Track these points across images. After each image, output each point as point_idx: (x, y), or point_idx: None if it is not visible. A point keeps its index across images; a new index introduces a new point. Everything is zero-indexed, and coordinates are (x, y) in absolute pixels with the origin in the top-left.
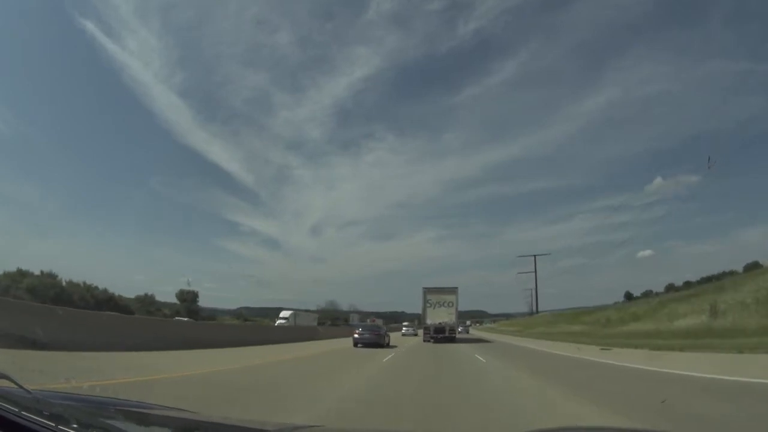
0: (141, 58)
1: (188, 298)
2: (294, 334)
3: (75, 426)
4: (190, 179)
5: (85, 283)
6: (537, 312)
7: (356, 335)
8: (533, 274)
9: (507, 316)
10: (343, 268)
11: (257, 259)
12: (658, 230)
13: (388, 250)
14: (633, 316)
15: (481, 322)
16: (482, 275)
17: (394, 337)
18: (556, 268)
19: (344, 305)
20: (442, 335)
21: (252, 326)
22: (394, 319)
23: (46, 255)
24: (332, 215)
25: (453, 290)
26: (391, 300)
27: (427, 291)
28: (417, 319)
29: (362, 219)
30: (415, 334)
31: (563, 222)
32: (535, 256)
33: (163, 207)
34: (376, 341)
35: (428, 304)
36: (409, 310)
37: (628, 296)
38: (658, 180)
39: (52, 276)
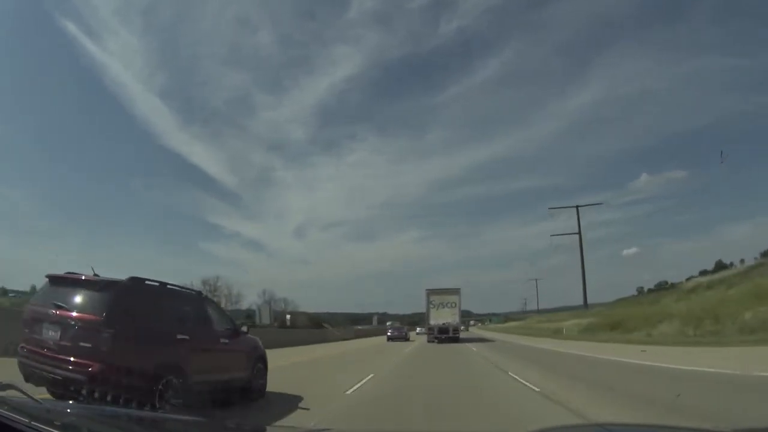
0: (122, 58)
1: None
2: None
3: None
4: (172, 181)
5: None
6: (587, 305)
7: (389, 333)
8: (566, 235)
9: (493, 316)
10: (327, 269)
11: (240, 262)
12: (644, 228)
13: (372, 251)
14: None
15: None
16: (467, 275)
17: (371, 342)
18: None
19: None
20: (446, 335)
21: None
22: (378, 320)
23: (25, 258)
24: (315, 217)
25: (456, 291)
26: (375, 301)
27: (430, 292)
28: (401, 319)
29: (345, 220)
30: (406, 338)
31: (547, 221)
32: (577, 206)
33: (144, 209)
34: (402, 337)
35: (431, 305)
36: (391, 311)
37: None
38: (644, 177)
39: None
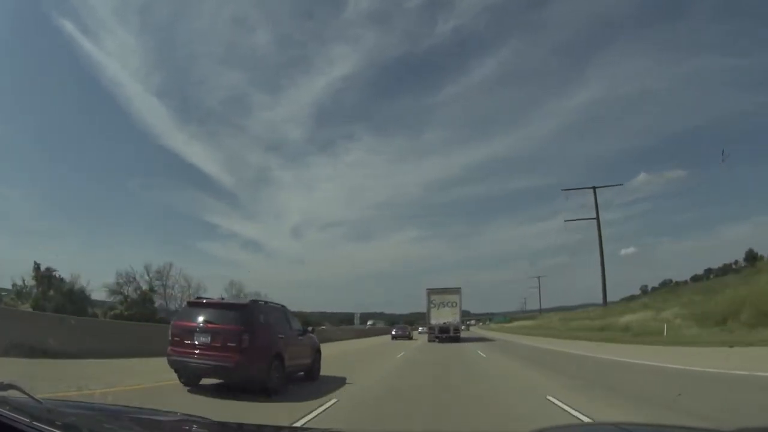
0: (119, 58)
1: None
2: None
3: None
4: (170, 181)
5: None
6: (606, 302)
7: (393, 332)
8: (583, 221)
9: (492, 316)
10: (325, 269)
11: (238, 262)
12: (642, 227)
13: (370, 251)
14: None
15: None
16: (465, 275)
17: (374, 342)
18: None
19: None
20: (446, 335)
21: None
22: (374, 319)
23: (25, 258)
24: (313, 217)
25: (456, 290)
26: (373, 301)
27: (431, 292)
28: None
29: (343, 220)
30: (410, 337)
31: (545, 220)
32: (594, 187)
33: (141, 209)
34: (406, 335)
35: (432, 305)
36: (388, 311)
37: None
38: (643, 176)
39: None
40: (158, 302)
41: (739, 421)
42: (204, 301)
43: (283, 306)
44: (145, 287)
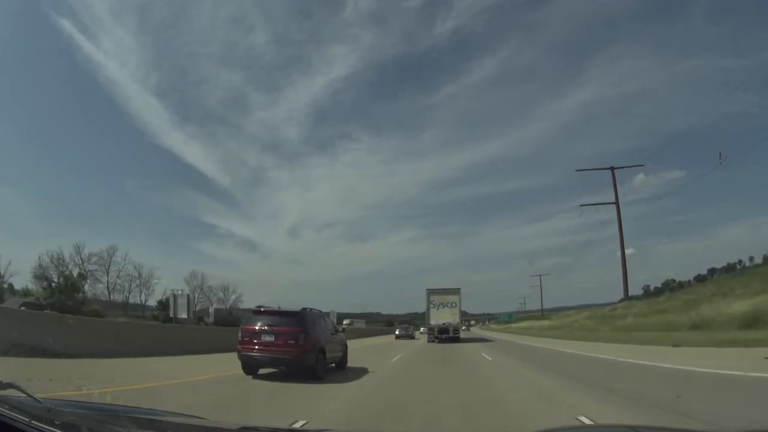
0: (117, 57)
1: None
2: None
3: None
4: (167, 181)
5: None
6: (627, 297)
7: (397, 332)
8: (599, 207)
9: (489, 316)
10: (321, 269)
11: (234, 262)
12: (639, 228)
13: (366, 251)
14: None
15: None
16: (462, 275)
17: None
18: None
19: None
20: (446, 335)
21: None
22: (372, 320)
23: (21, 259)
24: (309, 217)
25: (456, 291)
26: (368, 301)
27: (431, 292)
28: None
29: (340, 220)
30: (412, 337)
31: (543, 221)
32: (612, 168)
33: (138, 208)
34: (409, 335)
35: (432, 305)
36: (384, 311)
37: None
38: (640, 176)
39: None
40: (100, 291)
41: None
42: (263, 309)
43: (320, 311)
44: (81, 272)
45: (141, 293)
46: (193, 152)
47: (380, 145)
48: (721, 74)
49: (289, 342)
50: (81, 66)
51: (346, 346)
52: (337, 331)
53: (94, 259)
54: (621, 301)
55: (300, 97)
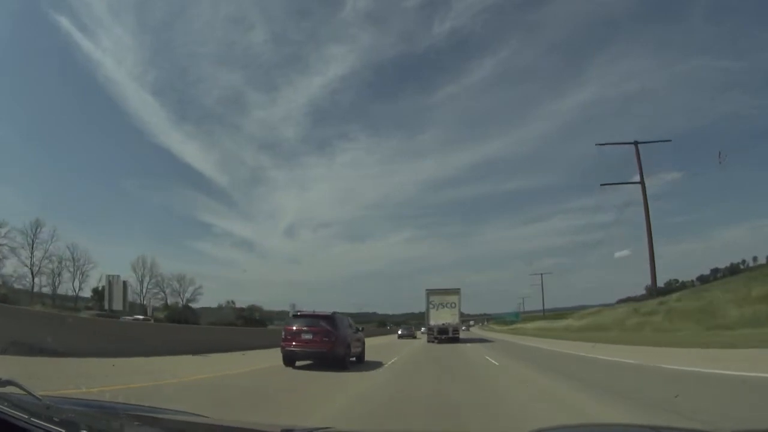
0: (115, 55)
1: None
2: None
3: None
4: (164, 180)
5: None
6: (655, 293)
7: (400, 332)
8: (624, 186)
9: (487, 317)
10: (319, 269)
11: (231, 261)
12: (637, 229)
13: (364, 251)
14: None
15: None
16: (460, 275)
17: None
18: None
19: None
20: (445, 336)
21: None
22: (367, 319)
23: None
24: (307, 216)
25: (456, 291)
26: (365, 301)
27: (430, 292)
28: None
29: (337, 220)
30: (413, 336)
31: (542, 222)
32: (636, 142)
33: (136, 208)
34: (411, 335)
35: (431, 306)
36: (380, 311)
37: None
38: (639, 177)
39: None
40: (23, 277)
41: None
42: (300, 313)
43: (343, 313)
44: None
45: (74, 280)
46: (191, 151)
47: (379, 145)
48: (721, 74)
49: (323, 339)
50: (79, 64)
51: (364, 343)
52: (358, 330)
53: (13, 235)
54: (649, 295)
55: (298, 97)
